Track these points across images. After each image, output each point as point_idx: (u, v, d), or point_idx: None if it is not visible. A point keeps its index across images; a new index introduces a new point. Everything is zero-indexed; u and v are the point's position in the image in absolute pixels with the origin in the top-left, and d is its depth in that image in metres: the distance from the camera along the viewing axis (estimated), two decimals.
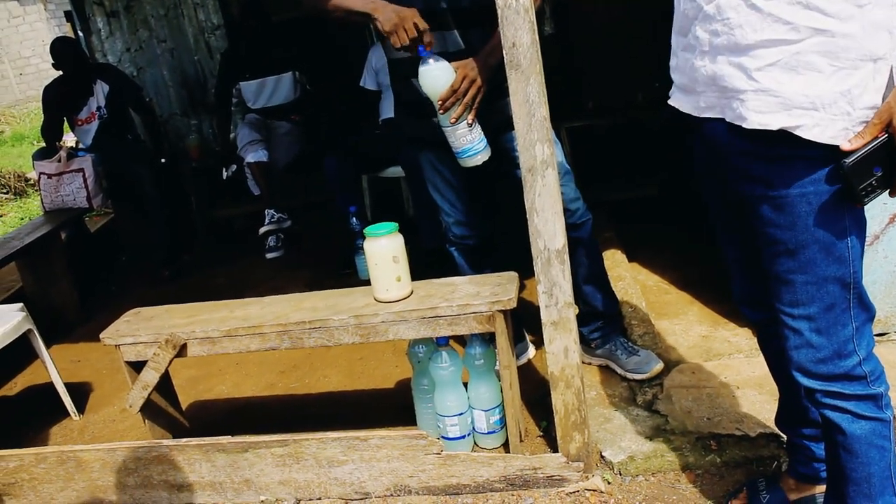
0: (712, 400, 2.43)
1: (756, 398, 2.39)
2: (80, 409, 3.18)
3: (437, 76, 2.14)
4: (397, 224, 2.28)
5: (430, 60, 2.12)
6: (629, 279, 3.27)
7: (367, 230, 2.28)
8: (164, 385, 2.53)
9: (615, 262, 3.41)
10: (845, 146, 1.37)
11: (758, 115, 1.41)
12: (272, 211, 4.84)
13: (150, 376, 2.41)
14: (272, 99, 5.04)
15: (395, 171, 4.37)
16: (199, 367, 3.36)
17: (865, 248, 2.52)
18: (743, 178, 1.52)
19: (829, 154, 1.39)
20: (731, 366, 2.61)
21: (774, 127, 1.39)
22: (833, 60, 1.35)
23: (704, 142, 1.60)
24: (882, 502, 1.59)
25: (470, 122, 2.18)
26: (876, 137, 1.35)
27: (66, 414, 3.11)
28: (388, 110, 4.36)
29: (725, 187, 1.62)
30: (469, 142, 2.19)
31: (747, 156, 1.48)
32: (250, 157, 4.86)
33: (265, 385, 3.14)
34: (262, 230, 4.84)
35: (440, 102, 2.15)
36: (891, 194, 1.43)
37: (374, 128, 4.56)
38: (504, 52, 1.88)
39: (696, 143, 1.66)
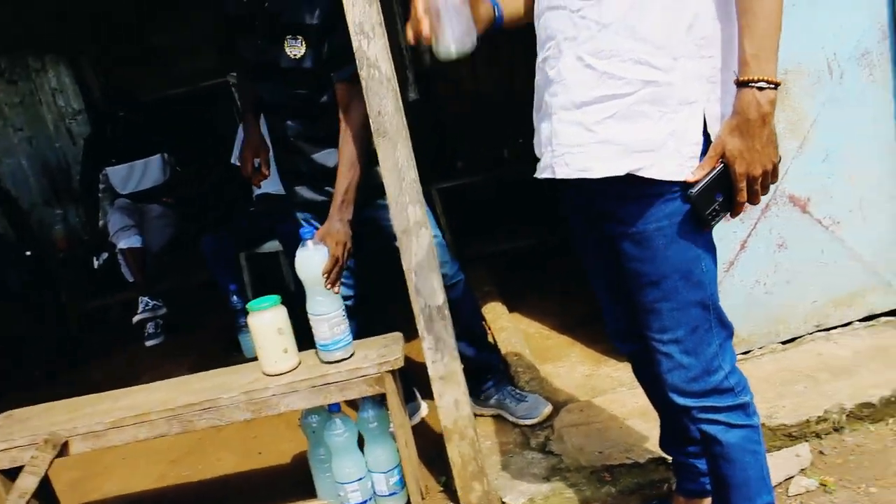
0: (602, 434, 2.53)
1: (642, 426, 2.51)
2: None
3: (313, 261, 2.20)
4: (279, 296, 2.29)
5: (310, 245, 2.19)
6: (512, 329, 3.37)
7: (249, 304, 2.29)
8: (45, 491, 2.38)
9: (497, 314, 3.52)
10: (689, 178, 1.51)
11: (602, 164, 1.54)
12: (146, 298, 4.72)
13: (29, 482, 2.27)
14: (141, 183, 4.96)
15: (273, 245, 4.36)
16: (83, 466, 3.20)
17: (723, 274, 2.73)
18: (604, 220, 1.64)
19: (674, 189, 1.53)
20: (616, 399, 2.72)
21: (621, 172, 1.52)
22: (660, 107, 1.50)
23: (567, 194, 1.73)
24: (760, 502, 1.71)
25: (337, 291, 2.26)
26: (714, 168, 1.50)
27: None
28: (265, 186, 4.37)
29: (590, 230, 1.74)
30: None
31: (606, 199, 1.61)
32: (123, 244, 4.73)
33: (156, 477, 3.04)
34: (137, 318, 4.69)
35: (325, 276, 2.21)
36: (732, 216, 1.57)
37: (248, 204, 4.55)
38: (371, 121, 1.96)
39: (560, 199, 1.79)
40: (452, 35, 1.52)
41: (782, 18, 1.47)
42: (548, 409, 2.68)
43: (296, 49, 2.36)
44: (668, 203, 1.55)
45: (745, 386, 1.72)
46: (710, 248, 1.63)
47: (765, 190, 1.53)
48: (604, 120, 1.53)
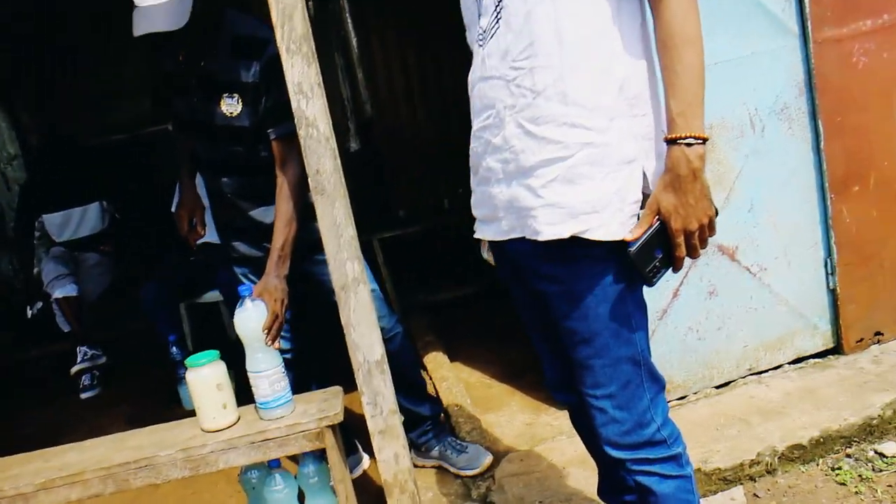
0: (542, 483, 2.56)
1: (581, 475, 2.54)
2: None
3: (251, 318, 2.18)
4: (218, 351, 2.28)
5: (248, 302, 2.18)
6: (453, 378, 3.39)
7: (188, 360, 2.26)
8: None
9: (438, 364, 3.54)
10: (628, 237, 1.56)
11: (550, 227, 1.58)
12: (84, 348, 4.62)
13: None
14: (79, 230, 4.88)
15: (214, 295, 4.32)
16: None
17: (656, 322, 2.81)
18: (539, 279, 1.68)
19: (607, 250, 1.58)
20: (556, 447, 2.76)
21: (566, 235, 1.56)
22: (600, 168, 1.55)
23: (505, 253, 1.76)
24: None
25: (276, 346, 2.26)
26: (651, 225, 1.54)
27: None
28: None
29: (527, 288, 1.78)
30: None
31: (541, 259, 1.65)
32: (58, 293, 4.63)
33: None
34: (75, 369, 4.58)
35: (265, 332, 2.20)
36: (674, 271, 1.61)
37: (188, 253, 4.51)
38: (309, 179, 1.98)
39: (497, 255, 1.82)
40: None
41: (704, 75, 1.53)
42: (488, 459, 2.70)
43: (232, 107, 2.39)
44: (599, 263, 1.59)
45: (677, 437, 1.76)
46: (640, 306, 1.68)
47: (703, 243, 1.57)
48: (548, 184, 1.57)
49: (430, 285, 4.85)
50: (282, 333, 2.62)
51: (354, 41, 5.14)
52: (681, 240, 1.53)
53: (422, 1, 4.77)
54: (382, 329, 2.57)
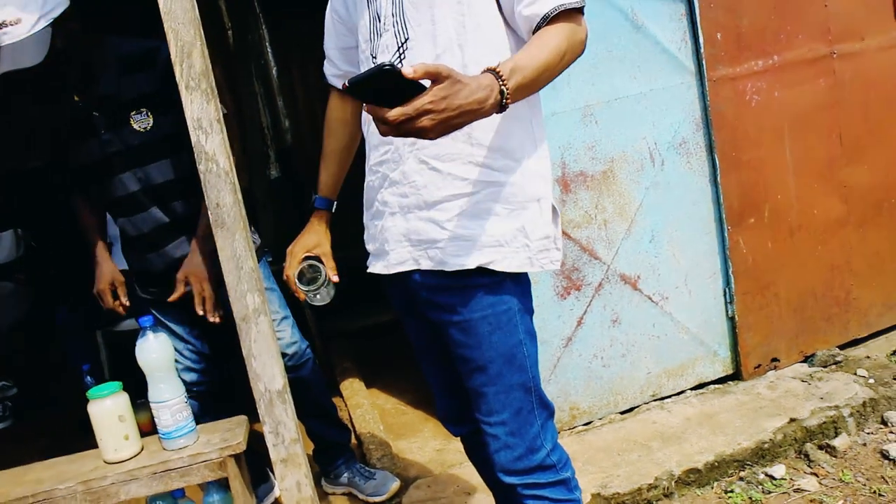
0: None
1: (486, 500, 2.58)
2: None
3: (153, 349, 2.15)
4: (121, 382, 2.28)
5: (149, 334, 2.15)
6: (367, 405, 3.42)
7: (89, 392, 2.25)
8: None
9: (354, 391, 3.56)
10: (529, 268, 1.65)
11: (456, 258, 1.63)
12: None
13: None
14: None
15: (131, 323, 4.26)
16: None
17: (562, 350, 2.89)
18: (433, 309, 1.73)
19: (500, 280, 1.64)
20: (464, 473, 2.81)
21: (472, 266, 1.61)
22: (506, 204, 1.62)
23: (396, 287, 1.81)
24: None
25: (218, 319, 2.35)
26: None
27: None
28: (120, 262, 4.29)
29: (421, 321, 1.82)
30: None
31: (433, 290, 1.69)
32: None
33: None
34: None
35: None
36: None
37: None
38: (209, 213, 2.01)
39: (389, 289, 1.87)
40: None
41: (553, 71, 1.49)
42: (395, 485, 2.74)
43: (143, 122, 2.39)
44: (493, 292, 1.65)
45: (566, 462, 1.82)
46: (531, 334, 1.74)
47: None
48: (454, 217, 1.62)
49: (347, 313, 4.87)
50: (193, 365, 2.64)
51: (274, 70, 5.19)
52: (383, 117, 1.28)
53: None
54: (294, 354, 2.61)
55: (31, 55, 2.12)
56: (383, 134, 1.30)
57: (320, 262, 2.03)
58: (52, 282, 5.02)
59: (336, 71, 1.93)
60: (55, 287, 5.00)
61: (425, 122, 1.28)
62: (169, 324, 2.59)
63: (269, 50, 5.14)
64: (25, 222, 4.89)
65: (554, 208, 1.68)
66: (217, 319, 2.32)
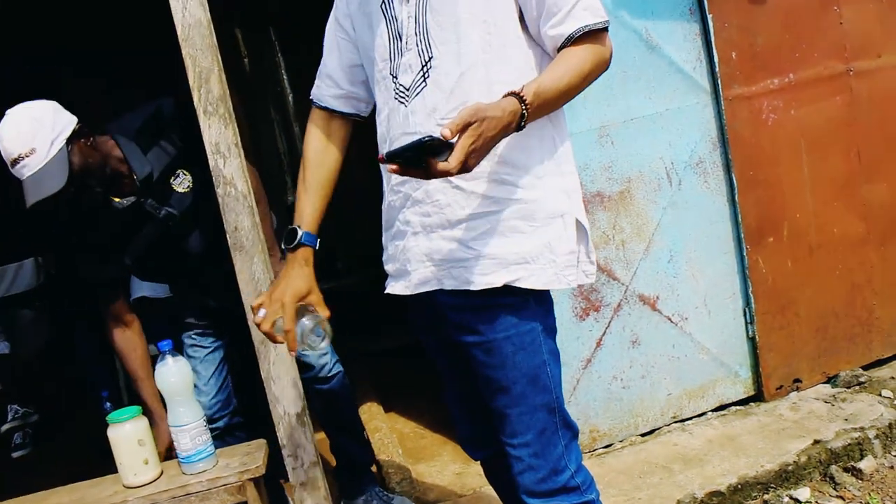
0: None
1: None
2: None
3: (172, 373, 2.17)
4: (139, 407, 2.28)
5: (168, 358, 2.17)
6: (386, 429, 3.41)
7: (109, 417, 2.26)
8: None
9: (372, 415, 3.55)
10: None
11: (482, 277, 1.62)
12: (15, 406, 4.54)
13: None
14: (13, 287, 4.81)
15: (150, 349, 4.28)
16: None
17: (581, 371, 2.87)
18: (456, 330, 1.71)
19: (524, 300, 1.63)
20: (483, 497, 2.78)
21: (499, 284, 1.61)
22: (530, 222, 1.62)
23: (417, 307, 1.80)
24: None
25: None
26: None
27: None
28: (138, 289, 4.32)
29: (443, 342, 1.81)
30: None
31: (457, 310, 1.68)
32: None
33: None
34: (4, 428, 4.50)
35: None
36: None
37: None
38: (228, 236, 2.03)
39: (410, 310, 1.85)
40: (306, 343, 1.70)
41: (574, 91, 1.56)
42: None
43: (185, 182, 2.38)
44: (517, 312, 1.64)
45: (590, 484, 1.80)
46: (555, 354, 1.73)
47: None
48: (479, 236, 1.62)
49: (366, 335, 4.88)
50: (215, 399, 2.64)
51: (290, 97, 5.23)
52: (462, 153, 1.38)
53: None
54: (324, 366, 2.61)
55: (54, 181, 2.11)
56: (428, 178, 1.40)
57: (314, 311, 1.75)
58: (68, 309, 5.04)
59: (337, 91, 1.85)
60: (72, 314, 5.02)
61: (472, 161, 1.39)
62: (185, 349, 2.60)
63: (284, 77, 5.19)
64: (45, 251, 4.93)
65: (580, 223, 1.66)
66: None
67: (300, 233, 1.76)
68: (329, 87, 1.86)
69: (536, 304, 1.66)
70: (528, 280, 1.61)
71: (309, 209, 1.80)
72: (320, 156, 1.85)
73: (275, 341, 1.72)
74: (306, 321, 1.68)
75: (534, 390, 1.68)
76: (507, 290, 1.62)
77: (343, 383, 2.74)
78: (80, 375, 4.24)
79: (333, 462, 2.84)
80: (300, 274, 1.75)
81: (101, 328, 4.27)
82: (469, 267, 1.63)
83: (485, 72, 1.59)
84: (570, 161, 1.69)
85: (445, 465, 3.13)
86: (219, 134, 1.97)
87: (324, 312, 1.74)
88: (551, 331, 1.72)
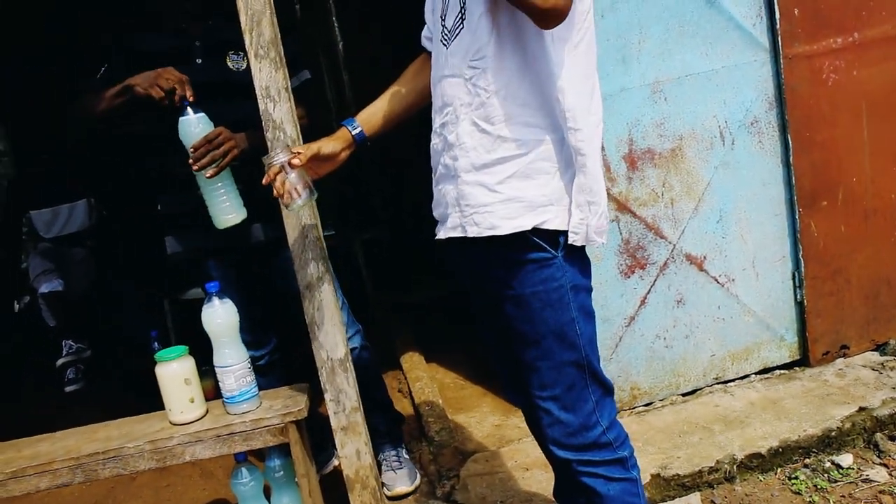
0: (504, 483, 2.61)
1: (542, 476, 2.59)
2: None
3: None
4: (187, 347, 2.33)
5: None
6: (427, 379, 3.44)
7: (157, 355, 2.32)
8: None
9: (413, 364, 3.59)
10: None
11: (509, 221, 1.63)
12: (69, 341, 4.67)
13: None
14: (66, 227, 4.92)
15: (197, 292, 4.36)
16: None
17: (624, 329, 2.85)
18: (488, 282, 1.73)
19: (552, 257, 1.64)
20: (521, 449, 2.81)
21: (528, 227, 1.61)
22: (554, 163, 1.62)
23: (455, 256, 1.81)
24: None
25: (210, 174, 2.20)
26: None
27: None
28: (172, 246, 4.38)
29: (479, 291, 1.83)
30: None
31: (489, 263, 1.70)
32: (44, 288, 4.68)
33: None
34: (60, 362, 4.64)
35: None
36: None
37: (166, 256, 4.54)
38: None
39: (450, 258, 1.86)
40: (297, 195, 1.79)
41: None
42: (404, 488, 2.69)
43: (238, 63, 2.44)
44: (544, 269, 1.65)
45: (623, 440, 1.80)
46: (586, 311, 1.72)
47: None
48: (505, 180, 1.62)
49: (408, 286, 4.91)
50: (251, 337, 2.65)
51: (340, 44, 5.18)
52: None
53: (407, 2, 4.80)
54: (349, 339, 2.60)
55: None
56: None
57: (311, 185, 1.84)
58: (121, 251, 5.15)
59: (428, 34, 1.93)
60: (124, 255, 5.13)
61: None
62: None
63: (334, 22, 5.13)
64: (99, 192, 5.02)
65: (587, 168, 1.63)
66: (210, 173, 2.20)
67: (354, 125, 1.96)
68: (425, 30, 1.94)
69: (566, 261, 1.66)
70: (555, 221, 1.62)
71: (371, 109, 1.99)
72: (408, 75, 1.98)
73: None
74: (294, 175, 1.78)
75: (561, 346, 1.69)
76: (536, 247, 1.63)
77: (362, 356, 2.65)
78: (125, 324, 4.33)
79: None
80: (327, 142, 1.92)
81: (147, 284, 4.35)
82: (494, 211, 1.64)
83: (506, 16, 1.59)
84: (579, 119, 1.63)
85: (485, 416, 3.16)
86: (269, 77, 1.97)
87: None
88: (582, 289, 1.71)
